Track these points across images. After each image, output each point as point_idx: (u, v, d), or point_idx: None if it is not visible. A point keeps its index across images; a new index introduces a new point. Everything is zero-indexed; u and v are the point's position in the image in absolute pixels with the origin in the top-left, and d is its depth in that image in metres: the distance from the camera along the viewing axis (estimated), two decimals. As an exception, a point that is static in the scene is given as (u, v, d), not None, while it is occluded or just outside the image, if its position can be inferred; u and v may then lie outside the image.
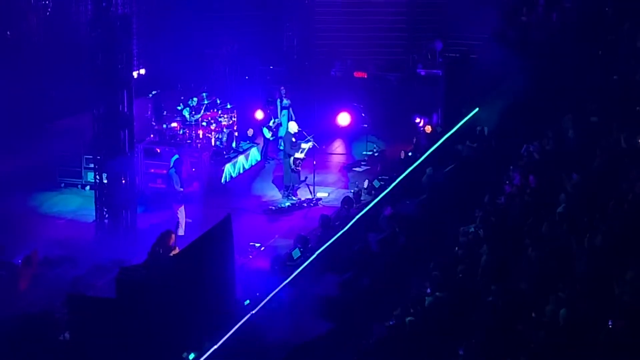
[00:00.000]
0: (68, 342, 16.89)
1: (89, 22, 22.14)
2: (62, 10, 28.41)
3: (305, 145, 25.19)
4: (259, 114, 28.58)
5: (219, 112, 26.92)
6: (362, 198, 23.86)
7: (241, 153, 26.88)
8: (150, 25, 31.87)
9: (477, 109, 27.27)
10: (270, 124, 27.92)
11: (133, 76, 23.50)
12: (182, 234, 22.19)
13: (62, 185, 25.80)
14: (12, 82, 26.16)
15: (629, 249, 16.86)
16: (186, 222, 22.89)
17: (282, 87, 29.40)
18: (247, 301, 17.71)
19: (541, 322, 15.56)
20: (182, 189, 22.91)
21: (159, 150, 25.54)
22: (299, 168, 25.25)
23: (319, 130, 27.58)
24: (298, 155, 25.06)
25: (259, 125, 28.22)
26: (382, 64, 33.37)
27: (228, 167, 25.92)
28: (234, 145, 26.94)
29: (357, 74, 32.27)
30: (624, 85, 25.03)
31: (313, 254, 19.68)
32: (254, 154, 27.52)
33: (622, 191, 19.03)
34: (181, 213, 22.74)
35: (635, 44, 26.53)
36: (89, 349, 16.13)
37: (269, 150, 28.37)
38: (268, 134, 27.90)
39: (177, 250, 18.21)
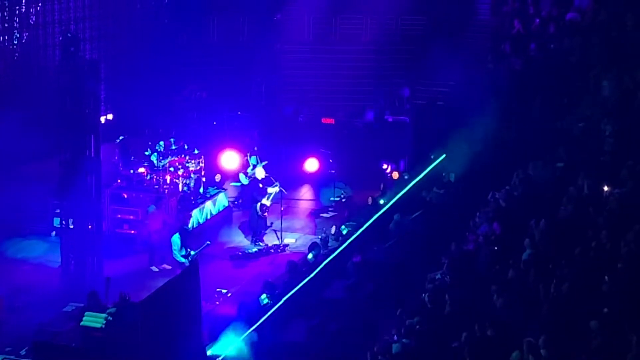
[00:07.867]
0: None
1: (56, 67, 22.15)
2: (30, 55, 28.32)
3: (272, 190, 25.19)
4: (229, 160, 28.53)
5: (187, 157, 26.82)
6: (329, 244, 23.86)
7: (208, 199, 26.76)
8: (118, 70, 31.88)
9: (444, 156, 27.43)
10: (248, 170, 27.75)
11: (100, 121, 23.43)
12: None
13: (28, 230, 25.58)
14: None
15: (594, 296, 16.96)
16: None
17: (255, 147, 28.94)
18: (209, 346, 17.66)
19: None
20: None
21: (126, 196, 25.44)
22: (266, 214, 25.26)
23: (286, 176, 27.57)
24: (264, 201, 25.06)
25: (229, 172, 28.14)
26: (349, 110, 33.54)
27: (195, 213, 25.83)
28: (201, 191, 26.85)
29: (325, 120, 32.40)
30: (589, 132, 25.28)
31: (280, 300, 19.65)
32: (221, 200, 27.42)
33: (587, 238, 19.16)
34: None
35: (600, 91, 26.83)
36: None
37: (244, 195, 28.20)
38: (245, 180, 27.75)
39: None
